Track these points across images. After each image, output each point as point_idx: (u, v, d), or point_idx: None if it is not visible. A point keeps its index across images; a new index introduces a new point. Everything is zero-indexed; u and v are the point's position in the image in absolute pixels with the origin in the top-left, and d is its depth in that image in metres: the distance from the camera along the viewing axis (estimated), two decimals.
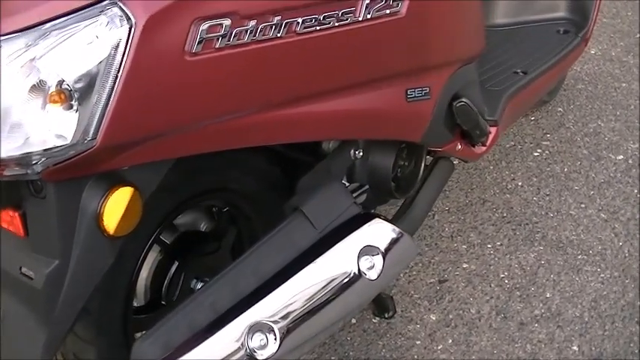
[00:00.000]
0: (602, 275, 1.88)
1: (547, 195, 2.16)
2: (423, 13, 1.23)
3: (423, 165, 1.57)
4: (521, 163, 2.30)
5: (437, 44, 1.31)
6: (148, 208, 1.10)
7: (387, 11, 1.16)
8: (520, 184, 2.21)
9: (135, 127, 0.94)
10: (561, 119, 2.51)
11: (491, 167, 2.29)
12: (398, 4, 1.18)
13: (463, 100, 1.44)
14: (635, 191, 2.16)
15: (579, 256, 1.94)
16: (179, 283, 1.40)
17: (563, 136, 2.42)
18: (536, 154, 2.34)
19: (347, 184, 1.48)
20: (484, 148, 1.57)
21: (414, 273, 1.89)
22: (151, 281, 1.40)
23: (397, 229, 1.33)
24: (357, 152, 1.43)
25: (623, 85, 2.70)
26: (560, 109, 2.57)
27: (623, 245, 1.97)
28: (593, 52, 2.94)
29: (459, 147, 1.52)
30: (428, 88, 1.33)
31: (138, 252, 1.30)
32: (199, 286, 1.39)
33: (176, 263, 1.40)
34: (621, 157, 2.31)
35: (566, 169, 2.26)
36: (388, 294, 1.78)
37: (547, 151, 2.35)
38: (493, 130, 1.59)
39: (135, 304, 1.35)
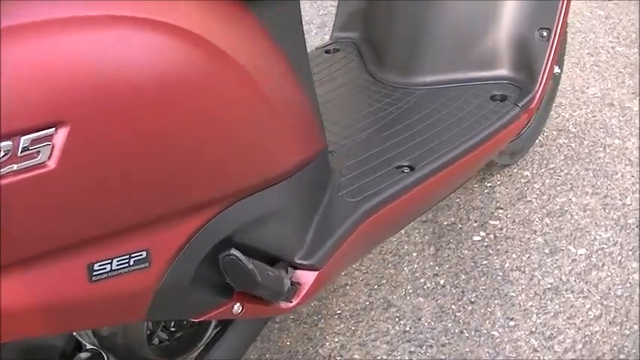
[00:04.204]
0: None
1: (471, 302, 1.69)
2: (107, 152, 0.80)
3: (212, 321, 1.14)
4: (453, 250, 1.82)
5: (151, 190, 0.87)
6: None
7: (15, 167, 0.73)
8: (442, 282, 1.74)
9: None
10: (524, 189, 2.01)
11: (415, 254, 1.82)
12: (38, 153, 0.74)
13: (233, 253, 0.99)
14: (587, 306, 1.66)
15: None
16: None
17: (519, 214, 1.92)
18: (477, 238, 1.86)
19: (87, 345, 1.08)
20: (292, 304, 1.12)
21: None
22: None
23: None
24: None
25: (616, 142, 2.16)
26: (527, 172, 2.07)
27: None
28: (592, 92, 2.39)
29: (241, 310, 1.08)
30: (144, 253, 0.90)
31: None
32: None
33: None
34: (583, 251, 1.81)
35: (507, 265, 1.78)
36: None
37: (492, 235, 1.86)
38: (308, 277, 1.13)
39: None
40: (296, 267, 1.13)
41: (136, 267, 0.90)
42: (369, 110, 1.57)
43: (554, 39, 1.60)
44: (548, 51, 1.59)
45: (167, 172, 0.88)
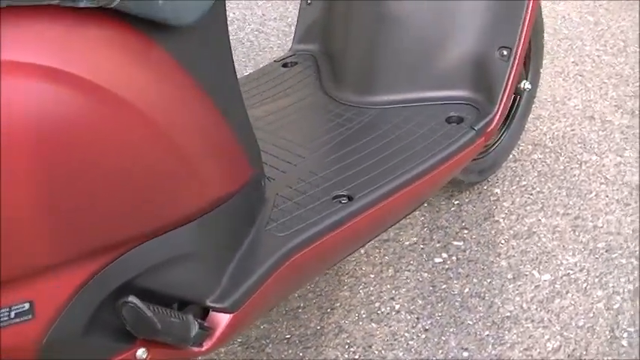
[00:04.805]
0: None
1: (425, 330, 1.62)
2: None
3: None
4: (413, 273, 1.75)
5: (34, 240, 0.82)
6: None
7: None
8: (397, 307, 1.67)
9: None
10: (492, 207, 1.93)
11: (372, 276, 1.76)
12: None
13: (130, 300, 0.94)
14: (547, 337, 1.59)
15: None
16: None
17: (485, 235, 1.85)
18: (438, 260, 1.79)
19: None
20: (203, 348, 1.06)
21: None
22: None
23: None
24: None
25: (593, 158, 2.08)
26: (497, 190, 1.99)
27: None
28: (573, 103, 2.31)
29: (146, 355, 1.02)
30: (27, 305, 0.85)
31: None
32: None
33: None
34: (548, 277, 1.74)
35: (466, 290, 1.71)
36: None
37: (454, 257, 1.79)
38: (221, 320, 1.07)
39: None
40: (209, 310, 1.07)
41: (17, 319, 0.84)
42: (318, 131, 1.50)
43: (514, 59, 1.52)
44: (509, 71, 1.51)
45: (51, 220, 0.82)
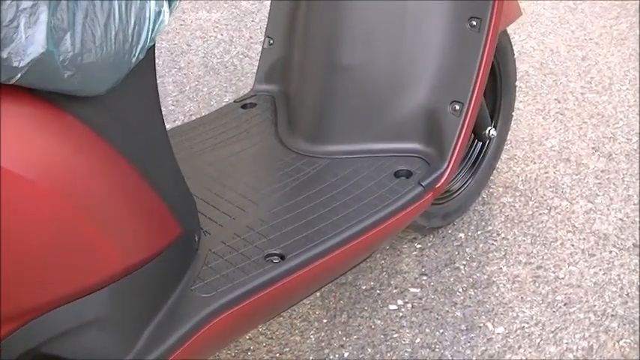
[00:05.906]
0: None
1: None
2: None
3: None
4: (366, 319, 1.74)
5: None
6: None
7: None
8: (346, 355, 1.66)
9: None
10: (454, 253, 1.91)
11: (325, 321, 1.74)
12: None
13: None
14: None
15: None
16: None
17: (444, 282, 1.83)
18: (393, 307, 1.78)
19: None
20: None
21: None
22: None
23: None
24: None
25: (563, 204, 2.05)
26: (461, 234, 1.97)
27: None
28: (550, 144, 2.28)
29: None
30: None
31: None
32: None
33: None
34: (502, 329, 1.71)
35: (417, 340, 1.69)
36: None
37: (410, 305, 1.78)
38: None
39: None
40: None
41: None
42: (265, 181, 1.49)
43: (466, 114, 1.50)
44: (460, 127, 1.50)
45: None
